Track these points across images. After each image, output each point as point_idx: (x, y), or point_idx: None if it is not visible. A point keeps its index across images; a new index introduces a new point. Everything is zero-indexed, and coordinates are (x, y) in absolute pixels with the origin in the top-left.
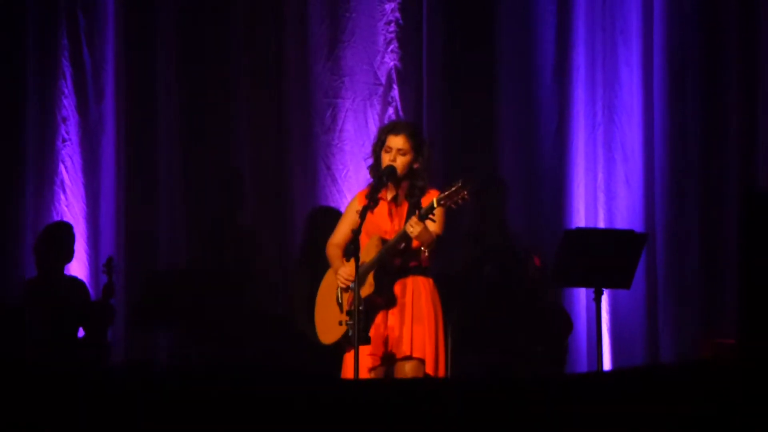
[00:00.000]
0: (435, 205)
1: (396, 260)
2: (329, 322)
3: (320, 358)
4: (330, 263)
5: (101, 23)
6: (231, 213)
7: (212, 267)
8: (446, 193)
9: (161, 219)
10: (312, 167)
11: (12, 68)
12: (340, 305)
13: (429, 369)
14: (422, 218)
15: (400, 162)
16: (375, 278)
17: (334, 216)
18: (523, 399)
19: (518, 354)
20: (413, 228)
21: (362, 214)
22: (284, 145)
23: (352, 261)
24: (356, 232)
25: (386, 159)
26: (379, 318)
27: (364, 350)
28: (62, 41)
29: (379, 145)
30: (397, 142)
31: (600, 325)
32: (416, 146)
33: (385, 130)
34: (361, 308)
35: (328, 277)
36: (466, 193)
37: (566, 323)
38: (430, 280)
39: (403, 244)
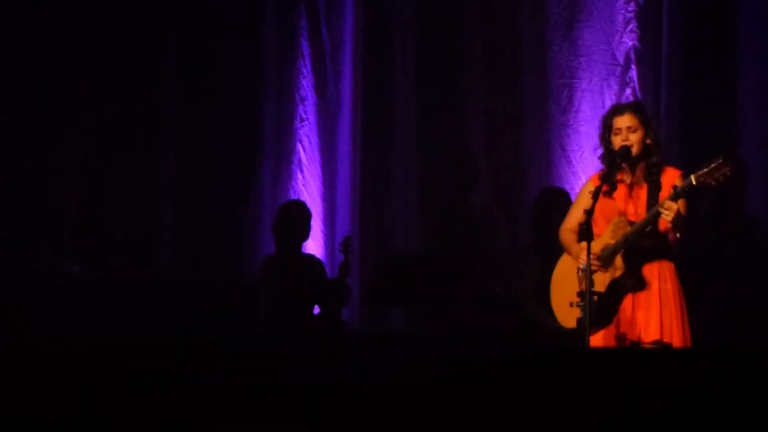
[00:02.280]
0: (694, 182)
1: (644, 242)
2: (566, 305)
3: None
4: (566, 249)
5: (339, 4)
6: (465, 194)
7: (445, 249)
8: (705, 170)
9: (396, 199)
10: (547, 148)
11: (252, 49)
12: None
13: None
14: (677, 197)
15: (633, 139)
16: (624, 260)
17: (567, 198)
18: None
19: (763, 341)
20: (669, 211)
21: (595, 195)
22: (519, 125)
23: (598, 241)
24: (589, 213)
25: (617, 142)
26: (626, 301)
27: (610, 333)
28: (302, 22)
29: (606, 131)
30: (623, 121)
31: None
32: (644, 121)
33: (609, 115)
34: (595, 290)
35: (564, 260)
36: (728, 169)
37: None
38: (672, 264)
39: (650, 226)
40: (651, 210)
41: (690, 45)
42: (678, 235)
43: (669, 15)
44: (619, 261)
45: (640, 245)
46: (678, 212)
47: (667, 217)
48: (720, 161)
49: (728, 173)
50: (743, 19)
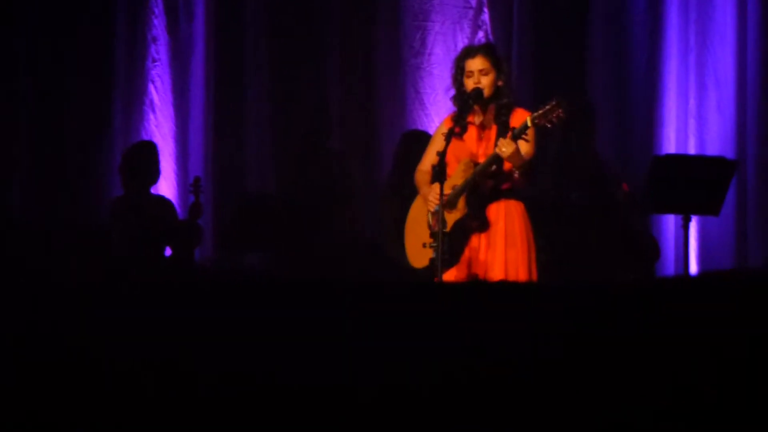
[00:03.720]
0: (529, 124)
1: (488, 183)
2: (419, 246)
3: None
4: (418, 189)
5: None
6: (319, 136)
7: (300, 190)
8: (540, 111)
9: (249, 141)
10: (400, 91)
11: None
12: (431, 229)
13: None
14: (515, 138)
15: (485, 82)
16: (467, 201)
17: (422, 140)
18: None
19: (606, 279)
20: (505, 149)
21: (447, 137)
22: (372, 68)
23: (448, 182)
24: (441, 155)
25: (470, 84)
26: (472, 241)
27: (462, 273)
28: None
29: (459, 73)
30: (476, 63)
31: (687, 253)
32: (496, 64)
33: (461, 57)
34: (445, 230)
35: (417, 202)
36: (561, 111)
37: (654, 250)
38: (522, 204)
39: (494, 167)
40: (492, 152)
41: None
42: (516, 175)
43: None
44: (462, 202)
45: (483, 186)
46: (515, 151)
47: (503, 154)
48: (554, 103)
49: (561, 115)
50: None
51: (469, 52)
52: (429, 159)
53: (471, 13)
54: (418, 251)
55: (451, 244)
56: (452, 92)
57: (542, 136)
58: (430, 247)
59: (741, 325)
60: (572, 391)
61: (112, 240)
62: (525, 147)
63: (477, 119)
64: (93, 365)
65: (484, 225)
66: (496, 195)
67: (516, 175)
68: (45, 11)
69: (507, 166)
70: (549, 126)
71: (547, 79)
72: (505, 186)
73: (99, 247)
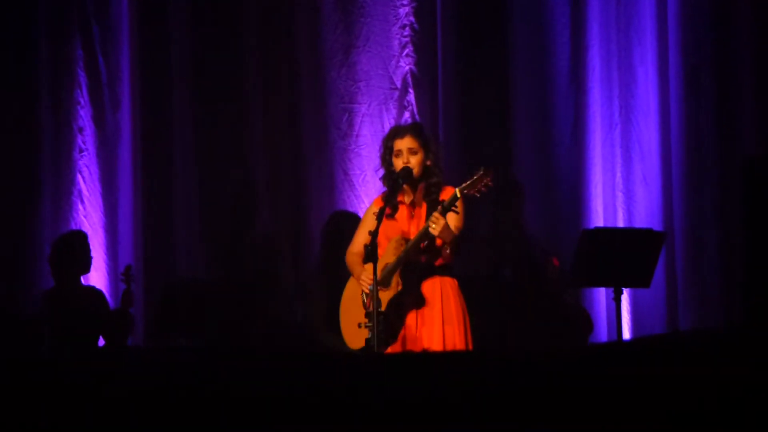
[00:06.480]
0: (458, 195)
1: (422, 258)
2: (354, 327)
3: None
4: (351, 271)
5: (115, 33)
6: (248, 220)
7: (230, 274)
8: (468, 182)
9: (179, 227)
10: (329, 173)
11: (27, 80)
12: (366, 309)
13: None
14: (445, 211)
15: (414, 161)
16: (401, 278)
17: (352, 221)
18: (546, 368)
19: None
20: (435, 224)
21: (379, 217)
22: (300, 151)
23: (379, 261)
24: (374, 234)
25: (399, 163)
26: (409, 318)
27: (397, 351)
28: (77, 52)
29: (387, 153)
30: (404, 143)
31: (620, 325)
32: (424, 143)
33: (390, 137)
34: (380, 310)
35: (351, 283)
36: (489, 179)
37: (586, 323)
38: (455, 281)
39: (425, 242)
40: (422, 228)
41: (464, 67)
42: (449, 250)
43: (443, 39)
44: (396, 278)
45: (416, 262)
46: (445, 226)
47: (433, 230)
48: (481, 173)
49: (489, 183)
50: (515, 41)
51: (397, 132)
52: (360, 240)
53: (396, 94)
54: (354, 332)
55: (386, 323)
56: (381, 172)
57: (472, 212)
58: (366, 327)
59: (676, 385)
60: None
61: (44, 332)
62: (453, 220)
63: (407, 198)
64: None
65: (419, 301)
66: (430, 271)
67: (447, 251)
68: None
69: (438, 241)
70: (477, 195)
71: (474, 156)
72: (438, 262)
73: (31, 340)
